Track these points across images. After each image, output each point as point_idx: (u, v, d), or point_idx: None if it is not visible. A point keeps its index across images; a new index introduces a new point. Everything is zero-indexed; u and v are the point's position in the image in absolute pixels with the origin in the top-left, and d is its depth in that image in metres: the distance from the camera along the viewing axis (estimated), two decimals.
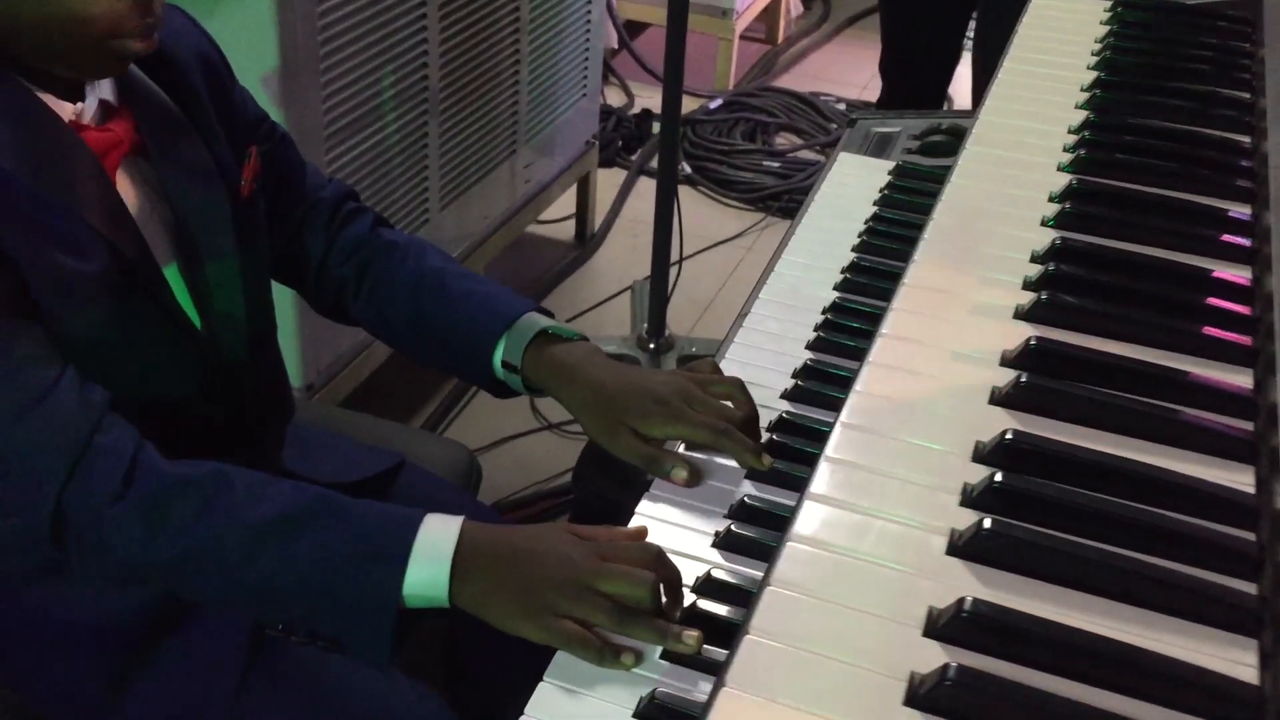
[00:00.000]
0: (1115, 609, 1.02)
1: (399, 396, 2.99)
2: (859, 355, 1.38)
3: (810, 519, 1.09)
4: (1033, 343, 1.26)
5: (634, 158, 4.20)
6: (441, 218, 2.84)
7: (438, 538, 1.12)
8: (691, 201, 3.92)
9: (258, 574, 1.13)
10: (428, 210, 2.78)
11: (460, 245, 2.96)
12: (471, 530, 1.14)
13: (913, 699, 0.94)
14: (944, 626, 0.99)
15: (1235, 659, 0.98)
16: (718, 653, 1.05)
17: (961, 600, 0.99)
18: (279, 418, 1.55)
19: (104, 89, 1.26)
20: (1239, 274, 1.40)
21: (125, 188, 1.27)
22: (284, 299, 2.18)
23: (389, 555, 1.12)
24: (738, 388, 1.32)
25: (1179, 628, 1.01)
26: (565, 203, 3.61)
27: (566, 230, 3.75)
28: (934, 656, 0.97)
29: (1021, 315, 1.33)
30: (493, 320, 1.40)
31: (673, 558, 1.15)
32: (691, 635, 1.05)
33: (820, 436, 1.27)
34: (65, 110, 1.22)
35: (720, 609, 1.12)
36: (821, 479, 1.13)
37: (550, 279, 3.52)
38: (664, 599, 1.09)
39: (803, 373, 1.43)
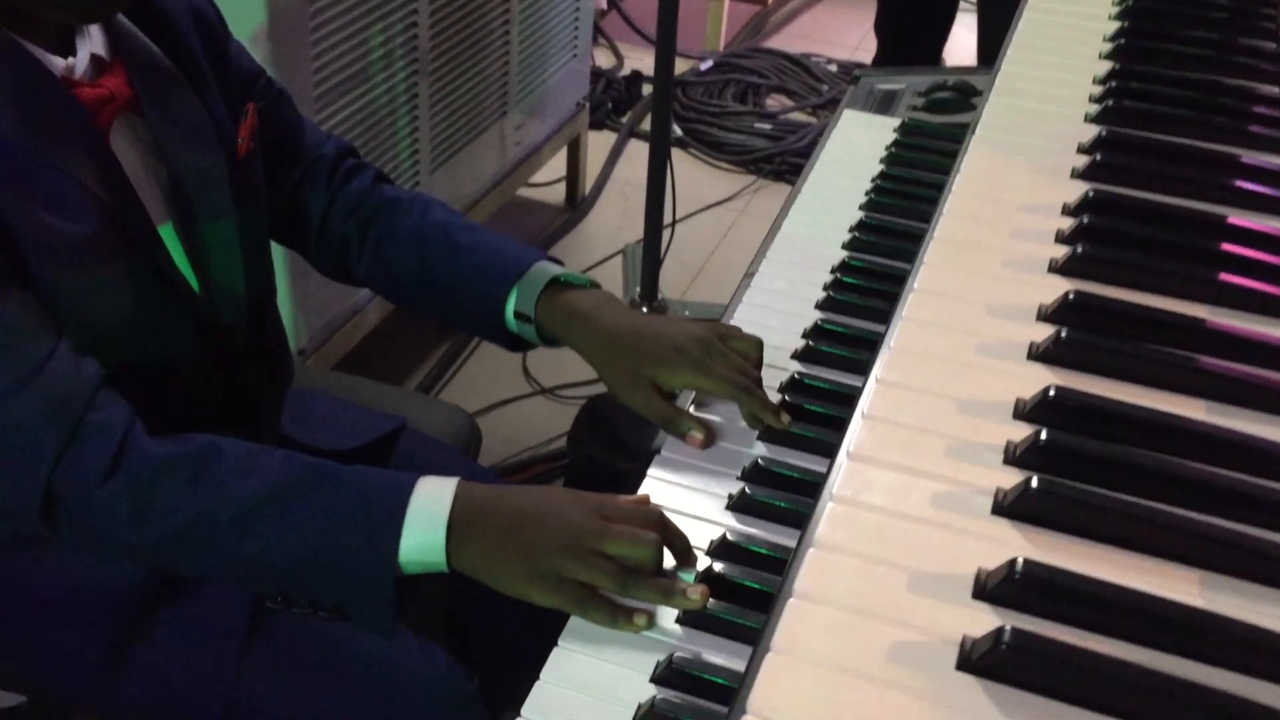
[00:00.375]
0: (1171, 570, 0.98)
1: (392, 361, 2.94)
2: (870, 314, 1.39)
3: (851, 479, 1.05)
4: (1071, 297, 1.22)
5: (624, 120, 4.15)
6: (432, 180, 2.79)
7: (432, 501, 1.10)
8: (683, 164, 3.87)
9: (251, 549, 1.11)
10: (418, 173, 2.73)
11: (451, 208, 2.88)
12: (467, 491, 1.11)
13: (965, 663, 0.90)
14: (995, 589, 0.95)
15: None
16: (739, 617, 1.04)
17: (1013, 561, 0.95)
18: (278, 382, 1.51)
19: (95, 42, 1.21)
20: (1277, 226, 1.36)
21: (119, 146, 1.22)
22: (276, 261, 2.15)
23: (383, 522, 1.09)
24: (756, 347, 1.30)
25: (1239, 589, 0.97)
26: (556, 166, 3.56)
27: (557, 193, 3.70)
28: (985, 620, 0.93)
29: (1057, 269, 1.29)
30: (503, 270, 1.37)
31: (685, 521, 1.13)
32: (697, 590, 1.04)
33: (833, 397, 1.28)
34: (56, 65, 1.17)
35: (736, 571, 1.09)
36: (859, 437, 1.09)
37: (541, 243, 3.45)
38: (669, 563, 1.07)
39: (813, 332, 1.40)
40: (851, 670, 0.90)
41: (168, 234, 1.26)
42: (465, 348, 3.01)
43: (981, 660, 0.90)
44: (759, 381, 1.27)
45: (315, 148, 1.50)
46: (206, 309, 1.30)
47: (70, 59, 1.18)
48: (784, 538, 1.13)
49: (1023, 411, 1.11)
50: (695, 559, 1.10)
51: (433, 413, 1.80)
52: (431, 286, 1.43)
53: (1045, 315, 1.23)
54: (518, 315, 1.36)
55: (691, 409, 1.27)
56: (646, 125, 3.23)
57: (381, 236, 1.45)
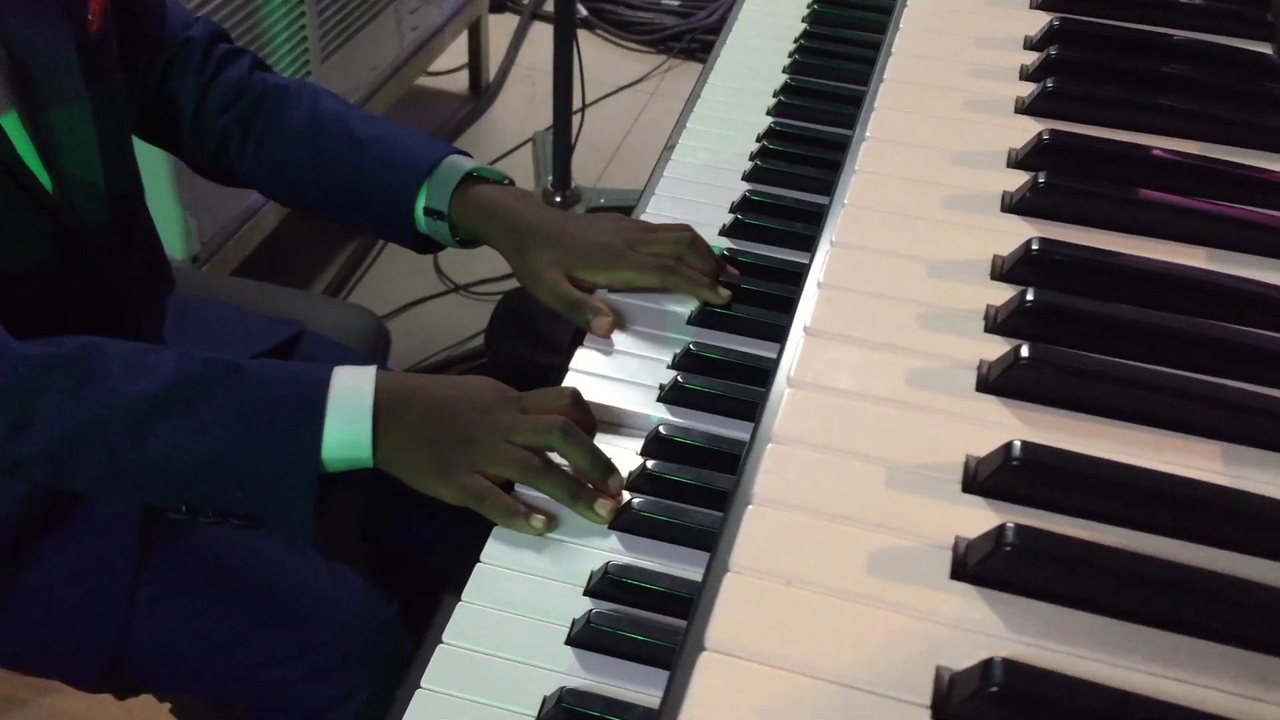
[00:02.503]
0: (1189, 444, 0.86)
1: (294, 265, 2.83)
2: (802, 183, 1.32)
3: (809, 359, 0.92)
4: (1045, 138, 1.11)
5: (526, 2, 4.02)
6: (324, 70, 2.66)
7: (352, 391, 1.03)
8: (589, 46, 3.75)
9: (150, 455, 1.03)
10: (309, 62, 2.60)
11: (347, 100, 2.73)
12: (387, 380, 1.05)
13: (961, 571, 0.78)
14: (988, 479, 0.82)
15: None
16: (677, 518, 0.96)
17: (1008, 446, 0.82)
18: (155, 290, 1.41)
19: None
20: (1261, 48, 1.26)
21: None
22: (158, 163, 1.99)
23: (301, 416, 1.02)
24: (686, 231, 1.21)
25: (1266, 460, 0.85)
26: (457, 52, 3.44)
27: (460, 81, 3.58)
28: (980, 517, 0.81)
29: (1025, 109, 1.19)
30: (413, 165, 1.29)
31: (615, 414, 1.07)
32: (606, 505, 0.97)
33: (767, 273, 1.20)
34: None
35: (671, 468, 1.01)
36: (816, 310, 0.96)
37: (446, 133, 3.35)
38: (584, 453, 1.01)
39: (742, 205, 1.31)
40: (828, 587, 0.76)
41: (11, 123, 1.14)
42: (373, 248, 2.92)
43: (980, 566, 0.77)
44: (707, 254, 1.20)
45: (181, 30, 1.38)
46: (62, 208, 1.19)
47: None
48: (722, 428, 1.04)
49: (1002, 270, 1.00)
50: (609, 463, 1.01)
51: (335, 315, 1.71)
52: (329, 183, 1.33)
53: (1017, 161, 1.12)
54: (428, 212, 1.28)
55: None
56: (550, 6, 3.11)
57: (268, 128, 1.35)
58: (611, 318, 1.15)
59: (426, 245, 1.32)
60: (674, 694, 0.72)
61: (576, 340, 1.15)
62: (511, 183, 1.30)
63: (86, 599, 1.24)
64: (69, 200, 1.19)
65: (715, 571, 0.78)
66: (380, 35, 2.88)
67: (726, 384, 1.07)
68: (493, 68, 3.63)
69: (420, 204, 1.28)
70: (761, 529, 0.79)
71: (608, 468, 0.99)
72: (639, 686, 0.85)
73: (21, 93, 1.15)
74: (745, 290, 1.17)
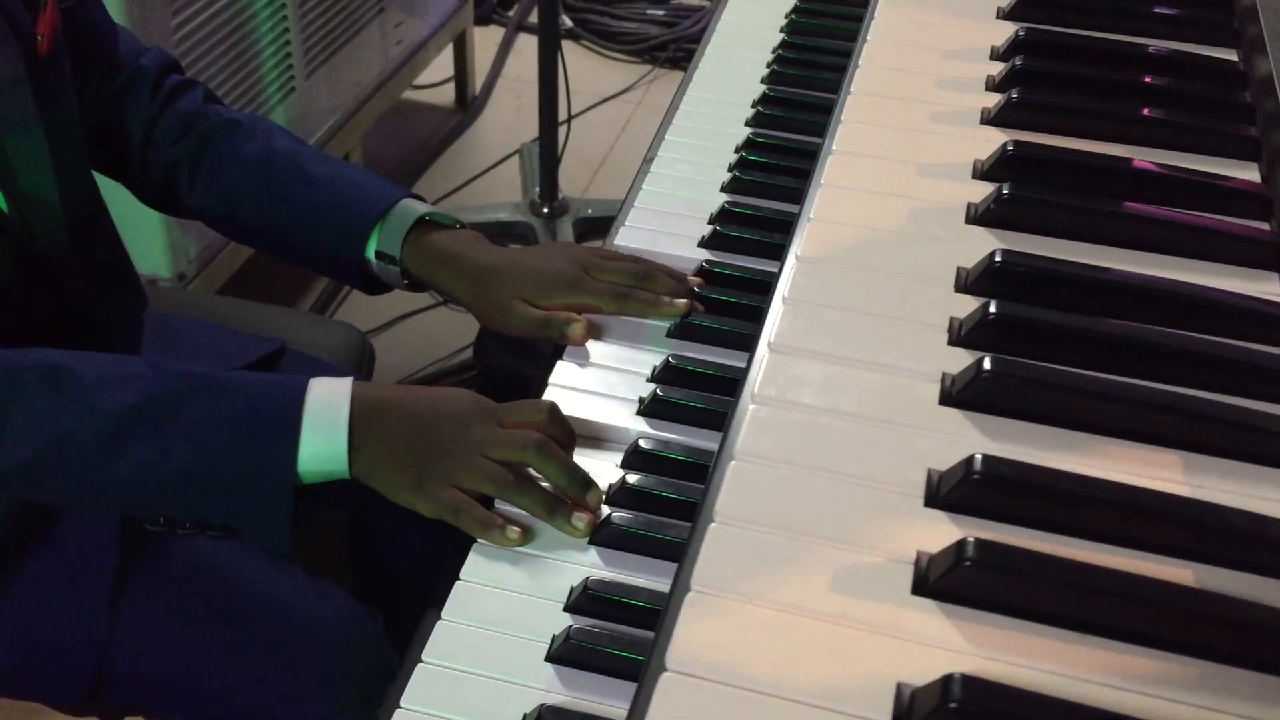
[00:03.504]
0: (1150, 455, 0.86)
1: (281, 281, 2.80)
2: (781, 194, 1.31)
3: (773, 374, 0.92)
4: (1010, 149, 1.11)
5: (511, 13, 4.01)
6: (309, 86, 2.65)
7: (328, 402, 1.03)
8: (575, 57, 3.76)
9: (126, 469, 1.02)
10: (293, 78, 2.58)
11: (333, 115, 2.78)
12: (364, 393, 1.04)
13: (922, 586, 0.78)
14: (950, 493, 0.82)
15: None
16: (658, 532, 0.95)
17: (969, 459, 0.82)
18: (125, 310, 1.40)
19: None
20: (1225, 57, 1.24)
21: None
22: None
23: (276, 428, 1.01)
24: (638, 264, 1.21)
25: (1228, 470, 0.85)
26: (442, 65, 3.43)
27: (446, 94, 3.57)
28: (942, 531, 0.81)
29: (990, 120, 1.19)
30: (365, 206, 1.26)
31: (595, 428, 1.06)
32: (583, 518, 0.97)
33: (746, 285, 1.19)
34: None
35: (653, 481, 1.00)
36: (781, 325, 0.95)
37: (433, 147, 3.34)
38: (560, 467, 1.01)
39: (720, 217, 1.30)
40: (789, 604, 0.76)
41: None
42: None
43: (941, 581, 0.77)
44: (663, 274, 1.19)
45: (132, 58, 1.37)
46: (19, 230, 1.17)
47: None
48: (703, 440, 1.03)
49: (966, 283, 1.00)
50: (586, 478, 1.00)
51: (319, 332, 1.70)
52: (279, 219, 1.31)
53: (982, 172, 1.12)
54: (380, 255, 1.26)
55: None
56: (535, 18, 3.10)
57: (219, 161, 1.33)
58: (584, 323, 1.14)
59: (374, 286, 1.31)
60: (636, 714, 0.72)
61: (556, 355, 1.14)
62: (463, 226, 1.29)
63: (65, 619, 1.23)
64: (25, 222, 1.18)
65: (678, 590, 0.78)
66: (365, 49, 2.87)
67: (706, 396, 1.06)
68: (479, 80, 3.62)
69: (372, 246, 1.26)
70: (723, 547, 0.79)
71: (585, 482, 0.99)
72: (619, 702, 0.83)
73: None
74: (723, 302, 1.17)
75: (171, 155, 1.34)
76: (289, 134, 1.36)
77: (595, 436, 1.05)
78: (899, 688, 0.71)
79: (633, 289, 1.17)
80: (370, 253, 1.26)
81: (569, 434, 1.04)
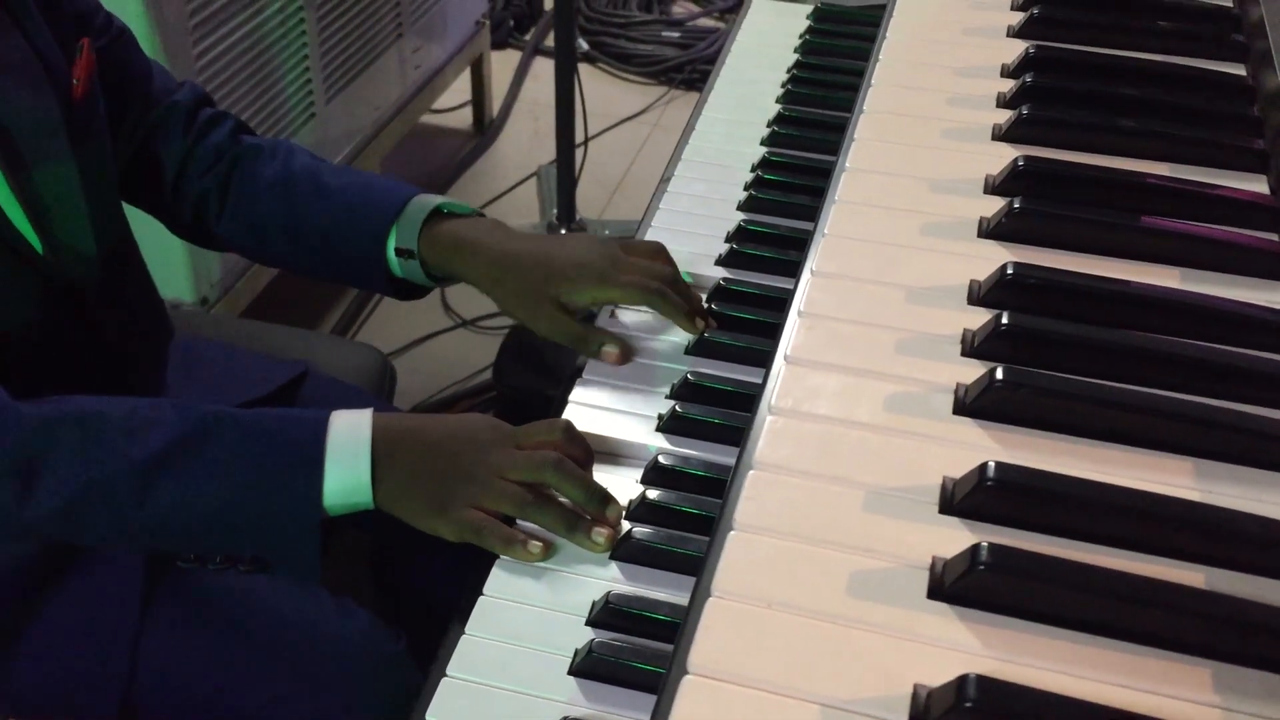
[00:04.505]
0: (1160, 461, 0.87)
1: (302, 304, 2.82)
2: (796, 211, 1.32)
3: (790, 386, 0.93)
4: (1020, 164, 1.12)
5: (527, 37, 4.02)
6: (328, 112, 2.66)
7: (350, 437, 1.04)
8: (592, 79, 3.77)
9: (155, 511, 1.03)
10: (313, 104, 2.60)
11: (352, 140, 2.80)
12: (384, 423, 1.05)
13: (938, 590, 0.79)
14: (964, 500, 0.84)
15: None
16: (678, 546, 0.97)
17: (983, 466, 0.83)
18: (152, 339, 1.41)
19: None
20: (1233, 71, 1.26)
21: None
22: None
23: (301, 464, 1.03)
24: (661, 249, 1.23)
25: (1238, 475, 0.86)
26: (460, 89, 3.45)
27: (464, 118, 3.58)
28: (956, 537, 0.82)
29: (1001, 135, 1.20)
30: (380, 207, 1.27)
31: (615, 444, 1.07)
32: (602, 533, 0.98)
33: (763, 302, 1.21)
34: None
35: (672, 497, 1.01)
36: (796, 338, 0.97)
37: (451, 170, 3.36)
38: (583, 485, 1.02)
39: (737, 235, 1.32)
40: (807, 609, 0.78)
41: None
42: None
43: (956, 585, 0.78)
44: (678, 280, 1.21)
45: (166, 94, 1.38)
46: (52, 268, 1.19)
47: None
48: (722, 456, 1.04)
49: (979, 295, 1.01)
50: (605, 494, 1.02)
51: (341, 354, 1.71)
52: (302, 235, 1.32)
53: (994, 187, 1.13)
54: (400, 252, 1.26)
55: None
56: (551, 41, 3.12)
57: (242, 187, 1.35)
58: (620, 346, 1.15)
59: (405, 292, 1.31)
60: (660, 715, 0.73)
61: (575, 374, 1.15)
62: (482, 215, 1.29)
63: (94, 645, 1.24)
64: (58, 260, 1.19)
65: (699, 597, 0.79)
66: (384, 75, 2.88)
67: (724, 412, 1.08)
68: (496, 104, 3.64)
69: (391, 245, 1.27)
70: (743, 554, 0.81)
71: (604, 498, 1.00)
72: (641, 715, 0.85)
73: (7, 155, 1.15)
74: (741, 319, 1.18)
75: (201, 187, 1.35)
76: (309, 153, 1.37)
77: (615, 453, 1.06)
78: (915, 689, 0.73)
79: (663, 289, 1.17)
80: (391, 252, 1.26)
81: (586, 451, 1.05)
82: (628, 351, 1.16)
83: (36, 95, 1.16)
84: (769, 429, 0.89)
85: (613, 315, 1.22)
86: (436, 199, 1.27)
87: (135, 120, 1.34)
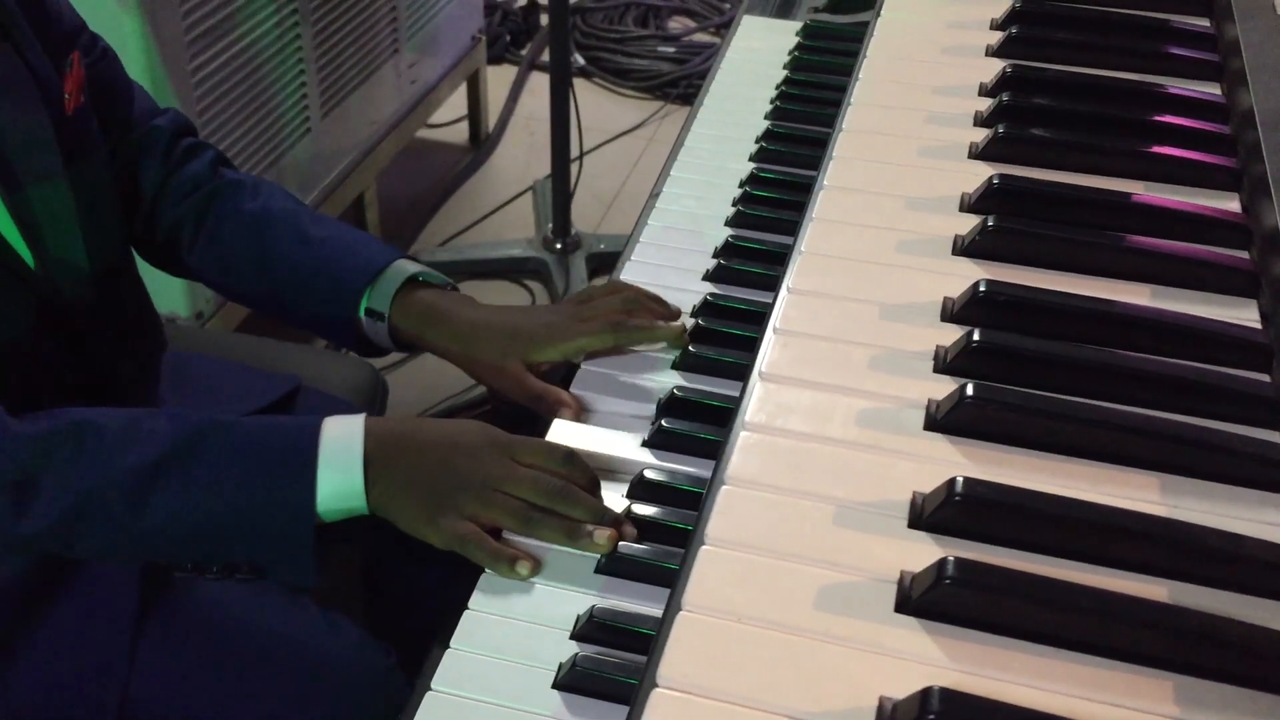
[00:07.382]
0: (1127, 476, 0.88)
1: None
2: (783, 227, 1.32)
3: (764, 402, 0.94)
4: (995, 182, 1.13)
5: (523, 52, 4.04)
6: (325, 126, 2.67)
7: (342, 442, 1.04)
8: (587, 94, 3.79)
9: (150, 522, 1.03)
10: (309, 118, 2.61)
11: (349, 155, 2.81)
12: (377, 427, 1.06)
13: (905, 604, 0.80)
14: (933, 515, 0.85)
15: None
16: (665, 561, 0.96)
17: (951, 482, 0.84)
18: (145, 355, 1.41)
19: None
20: (1208, 91, 1.27)
21: None
22: None
23: (294, 468, 1.03)
24: (618, 284, 1.26)
25: (1203, 490, 0.87)
26: (456, 104, 3.47)
27: (460, 133, 3.60)
28: (925, 552, 0.83)
29: (978, 154, 1.20)
30: (360, 266, 1.28)
31: (602, 460, 1.08)
32: (604, 534, 0.98)
33: (750, 317, 1.20)
34: None
35: (658, 512, 1.02)
36: (772, 354, 0.98)
37: (447, 184, 3.37)
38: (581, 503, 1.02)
39: (724, 250, 1.32)
40: (776, 623, 0.79)
41: None
42: None
43: (923, 599, 0.79)
44: (637, 305, 1.22)
45: (148, 117, 1.39)
46: (45, 284, 1.19)
47: None
48: (708, 471, 1.03)
49: (952, 312, 1.02)
50: (616, 516, 1.02)
51: (333, 369, 1.72)
52: (275, 277, 1.32)
53: (969, 205, 1.14)
54: (369, 313, 1.28)
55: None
56: (547, 56, 3.14)
57: (219, 221, 1.35)
58: (575, 406, 1.15)
59: (369, 349, 1.32)
60: None
61: (565, 385, 1.16)
62: (454, 288, 1.30)
63: (88, 664, 1.24)
64: (51, 276, 1.20)
65: (671, 610, 0.80)
66: (380, 89, 2.89)
67: (710, 427, 1.08)
68: (492, 118, 3.65)
69: (363, 305, 1.27)
70: (713, 569, 0.82)
71: (615, 521, 1.00)
72: None
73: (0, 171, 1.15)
74: (728, 334, 1.18)
75: (176, 215, 1.36)
76: (291, 196, 1.37)
77: (602, 468, 1.07)
78: (881, 702, 0.74)
79: (622, 320, 1.18)
80: (361, 311, 1.27)
81: (593, 479, 1.05)
82: (579, 407, 1.15)
83: (29, 111, 1.17)
84: (741, 444, 0.90)
85: None
86: (415, 266, 1.28)
87: (115, 142, 1.35)
